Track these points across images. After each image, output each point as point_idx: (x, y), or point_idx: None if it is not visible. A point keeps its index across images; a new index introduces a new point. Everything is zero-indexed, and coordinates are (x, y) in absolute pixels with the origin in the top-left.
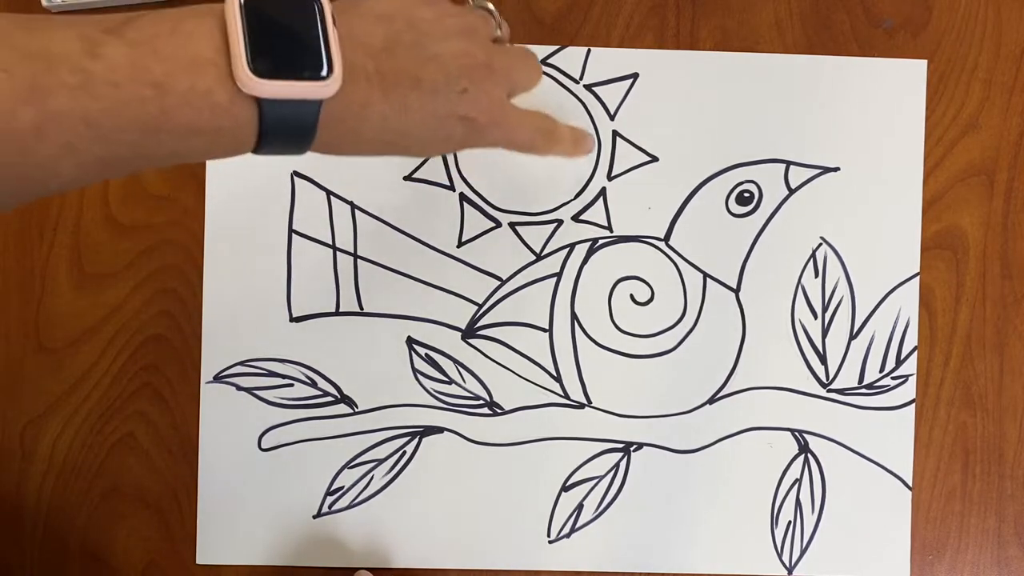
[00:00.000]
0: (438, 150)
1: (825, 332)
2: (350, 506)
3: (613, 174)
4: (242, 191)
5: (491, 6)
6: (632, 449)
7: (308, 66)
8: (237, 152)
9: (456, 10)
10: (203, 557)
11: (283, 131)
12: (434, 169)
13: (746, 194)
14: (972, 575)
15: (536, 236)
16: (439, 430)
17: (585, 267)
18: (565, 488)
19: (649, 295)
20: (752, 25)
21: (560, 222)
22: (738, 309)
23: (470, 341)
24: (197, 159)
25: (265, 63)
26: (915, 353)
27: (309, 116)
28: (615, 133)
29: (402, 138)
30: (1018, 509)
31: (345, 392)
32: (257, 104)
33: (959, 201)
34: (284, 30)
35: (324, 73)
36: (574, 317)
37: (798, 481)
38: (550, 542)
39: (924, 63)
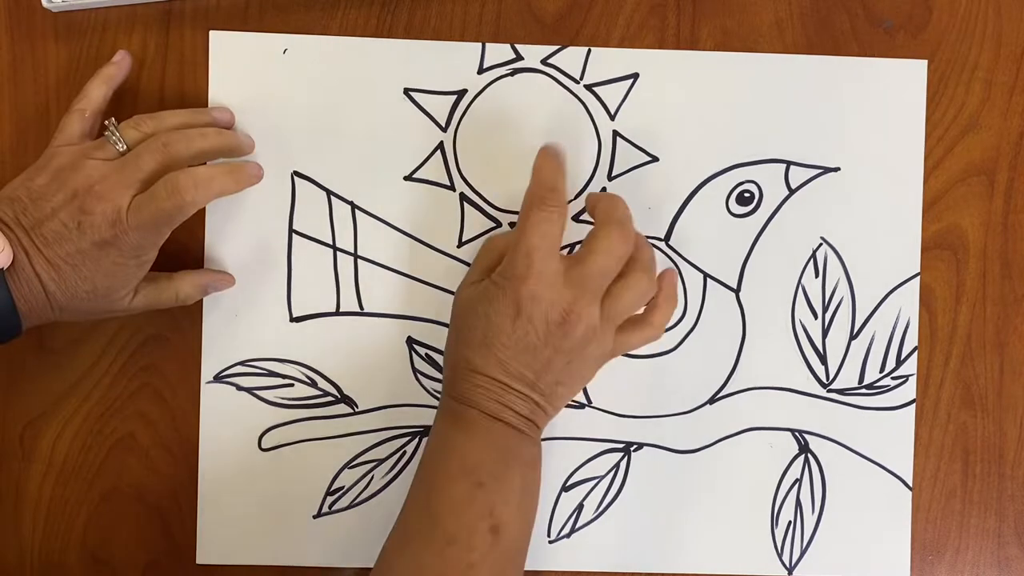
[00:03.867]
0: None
1: (825, 332)
2: (350, 506)
3: (613, 174)
4: (242, 191)
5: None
6: (632, 449)
7: None
8: None
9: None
10: (203, 557)
11: None
12: (434, 169)
13: (746, 194)
14: (972, 575)
15: None
16: None
17: None
18: (565, 488)
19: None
20: (752, 25)
21: None
22: (738, 309)
23: None
24: None
25: None
26: (915, 353)
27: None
28: (615, 133)
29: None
30: (1018, 509)
31: (345, 392)
32: None
33: (959, 201)
34: None
35: None
36: None
37: (798, 481)
38: (550, 542)
39: (924, 63)
